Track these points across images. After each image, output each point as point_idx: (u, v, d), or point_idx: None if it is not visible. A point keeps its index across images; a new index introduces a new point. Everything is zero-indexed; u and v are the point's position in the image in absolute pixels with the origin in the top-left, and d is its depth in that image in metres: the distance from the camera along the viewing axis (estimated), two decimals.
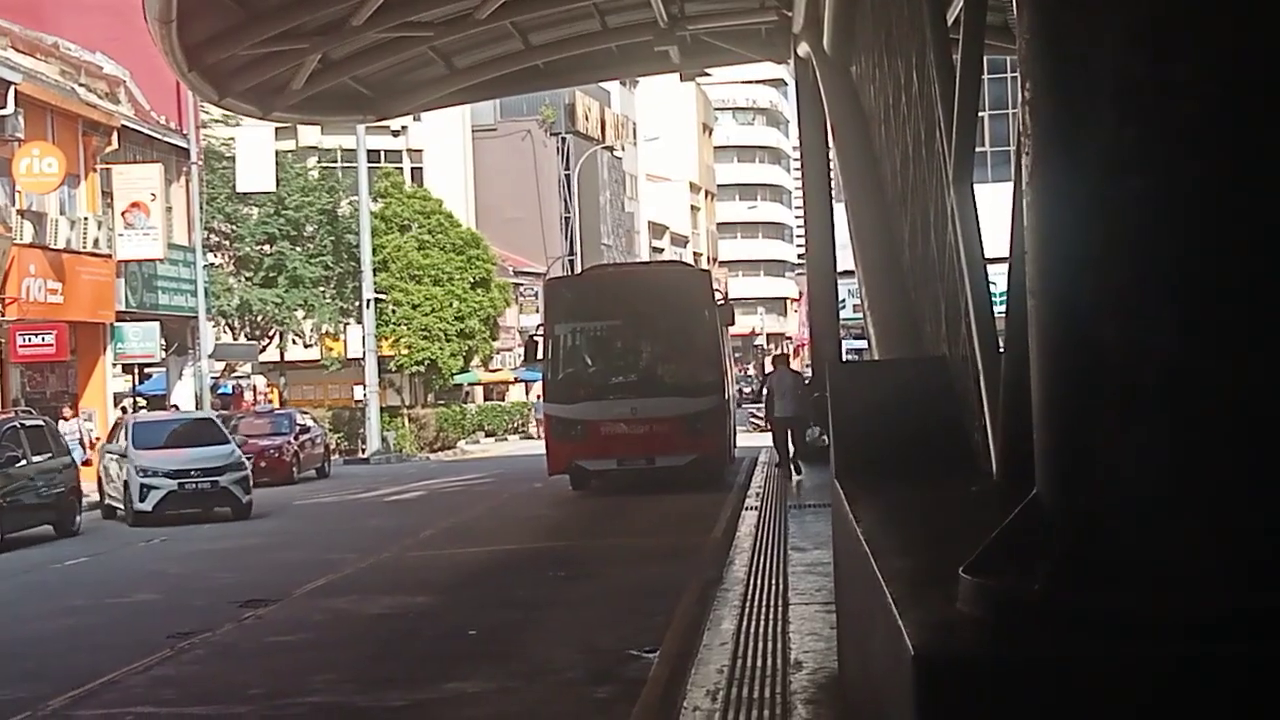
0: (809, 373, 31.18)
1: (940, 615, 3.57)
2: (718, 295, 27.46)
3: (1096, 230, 3.46)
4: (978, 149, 11.78)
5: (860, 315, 21.78)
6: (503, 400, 60.24)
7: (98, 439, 32.97)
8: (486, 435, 53.25)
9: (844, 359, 28.31)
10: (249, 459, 32.13)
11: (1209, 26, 3.41)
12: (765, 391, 26.13)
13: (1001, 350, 6.39)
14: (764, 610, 11.02)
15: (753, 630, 10.23)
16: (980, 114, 8.97)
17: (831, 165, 25.75)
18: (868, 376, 9.11)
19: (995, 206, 7.09)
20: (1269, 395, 3.35)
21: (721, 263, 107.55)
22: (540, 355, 25.69)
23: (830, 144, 23.68)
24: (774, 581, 12.43)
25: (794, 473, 23.15)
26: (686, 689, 8.57)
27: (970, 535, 3.98)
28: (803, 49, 24.72)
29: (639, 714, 8.68)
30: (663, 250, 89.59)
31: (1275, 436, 3.34)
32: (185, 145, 38.52)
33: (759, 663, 9.13)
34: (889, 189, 13.49)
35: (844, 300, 32.74)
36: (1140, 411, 3.40)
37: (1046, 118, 3.58)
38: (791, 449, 23.99)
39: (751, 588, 12.22)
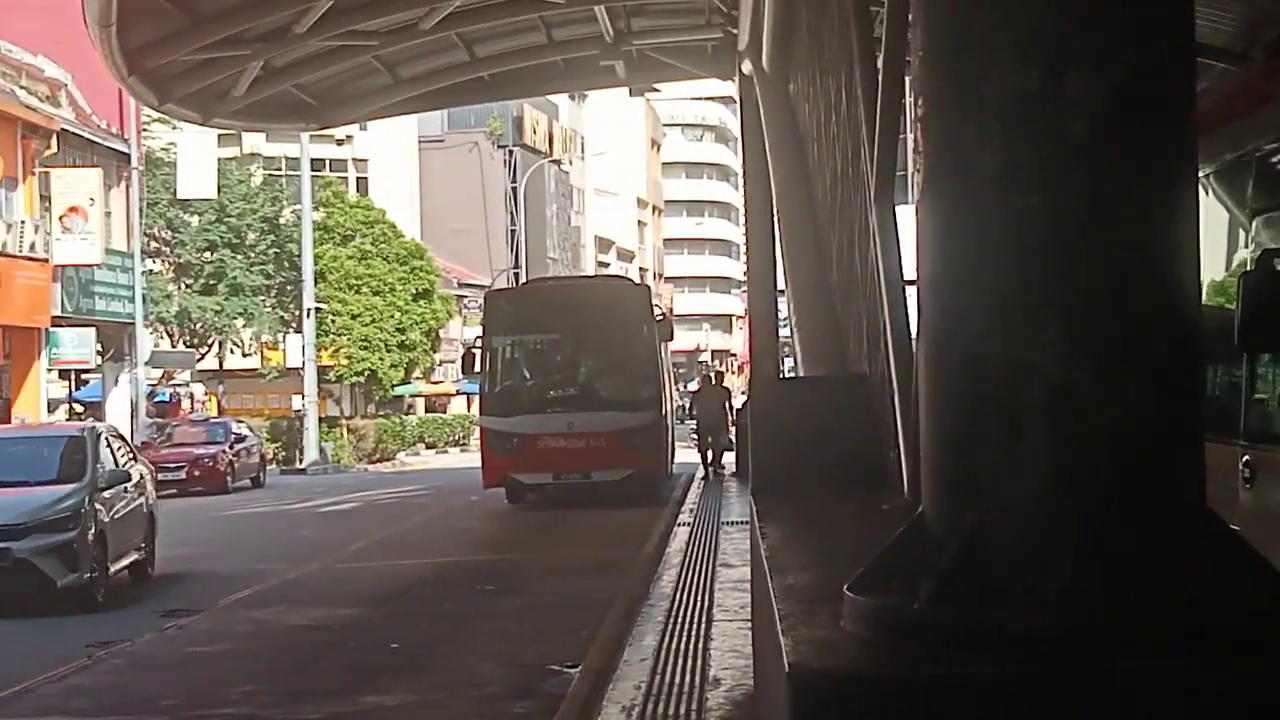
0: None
1: (823, 632, 3.55)
2: (658, 310, 27.44)
3: (984, 249, 3.46)
4: (905, 170, 11.82)
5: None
6: (444, 412, 60.01)
7: None
8: (427, 447, 53.01)
9: (783, 377, 28.47)
10: (182, 467, 32.06)
11: (1100, 43, 3.41)
12: (692, 406, 31.24)
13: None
14: (688, 627, 11.00)
15: (674, 647, 10.21)
16: (905, 135, 9.01)
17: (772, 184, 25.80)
18: (787, 393, 9.11)
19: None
20: (1147, 416, 3.36)
21: (668, 278, 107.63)
22: (478, 367, 25.59)
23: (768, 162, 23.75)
24: (700, 598, 12.42)
25: (710, 474, 27.55)
26: (603, 705, 8.53)
27: (871, 553, 3.96)
28: (746, 66, 24.75)
29: None
30: (609, 265, 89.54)
31: (1152, 456, 3.34)
32: (126, 150, 38.24)
33: (678, 679, 9.11)
34: (820, 207, 13.54)
35: (786, 318, 32.96)
36: (1024, 430, 3.39)
37: (938, 135, 3.57)
38: (710, 456, 28.64)
39: (677, 604, 12.21)
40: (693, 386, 79.75)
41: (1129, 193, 3.44)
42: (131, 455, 17.54)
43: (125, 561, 15.71)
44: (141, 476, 17.05)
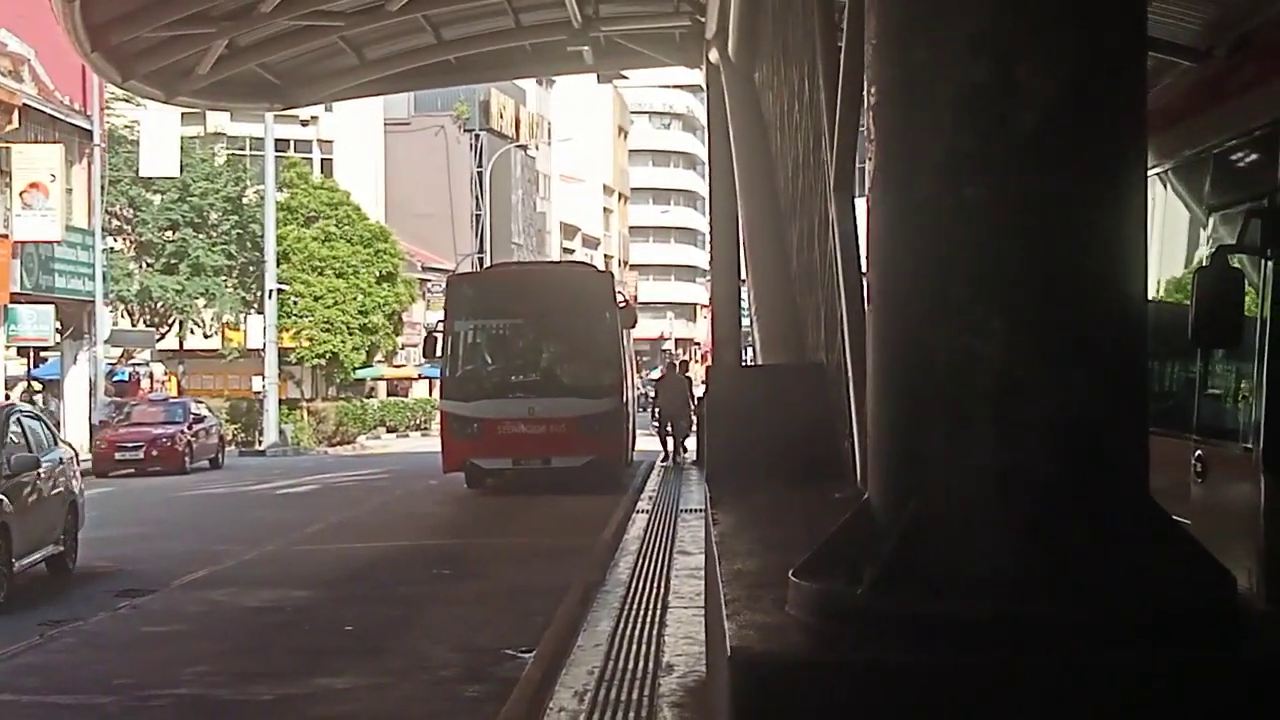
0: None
1: (768, 617, 3.56)
2: (621, 297, 27.42)
3: (931, 238, 3.47)
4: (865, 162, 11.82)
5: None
6: (405, 396, 59.85)
7: None
8: (388, 431, 52.86)
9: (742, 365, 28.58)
10: (140, 447, 31.89)
11: (1050, 37, 3.43)
12: (657, 393, 31.55)
13: None
14: (643, 613, 11.01)
15: (629, 633, 10.21)
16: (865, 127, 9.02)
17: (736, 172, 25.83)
18: (744, 381, 9.13)
19: None
20: (1091, 405, 3.37)
21: (633, 266, 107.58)
22: (439, 351, 25.51)
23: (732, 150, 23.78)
24: (656, 585, 12.42)
25: (671, 461, 28.26)
26: (555, 690, 8.53)
27: (819, 541, 3.97)
28: (713, 55, 24.76)
29: (506, 713, 8.62)
30: (574, 251, 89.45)
31: (1096, 447, 3.36)
32: (89, 126, 37.96)
33: (631, 665, 9.11)
34: (782, 197, 13.56)
35: (748, 308, 33.10)
36: (967, 419, 3.41)
37: (888, 124, 3.58)
38: (671, 443, 29.37)
39: (633, 590, 12.21)
40: (655, 374, 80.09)
41: (1077, 185, 3.45)
42: (53, 438, 16.06)
43: (37, 556, 14.09)
44: (62, 461, 15.56)
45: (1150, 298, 3.92)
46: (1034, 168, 3.42)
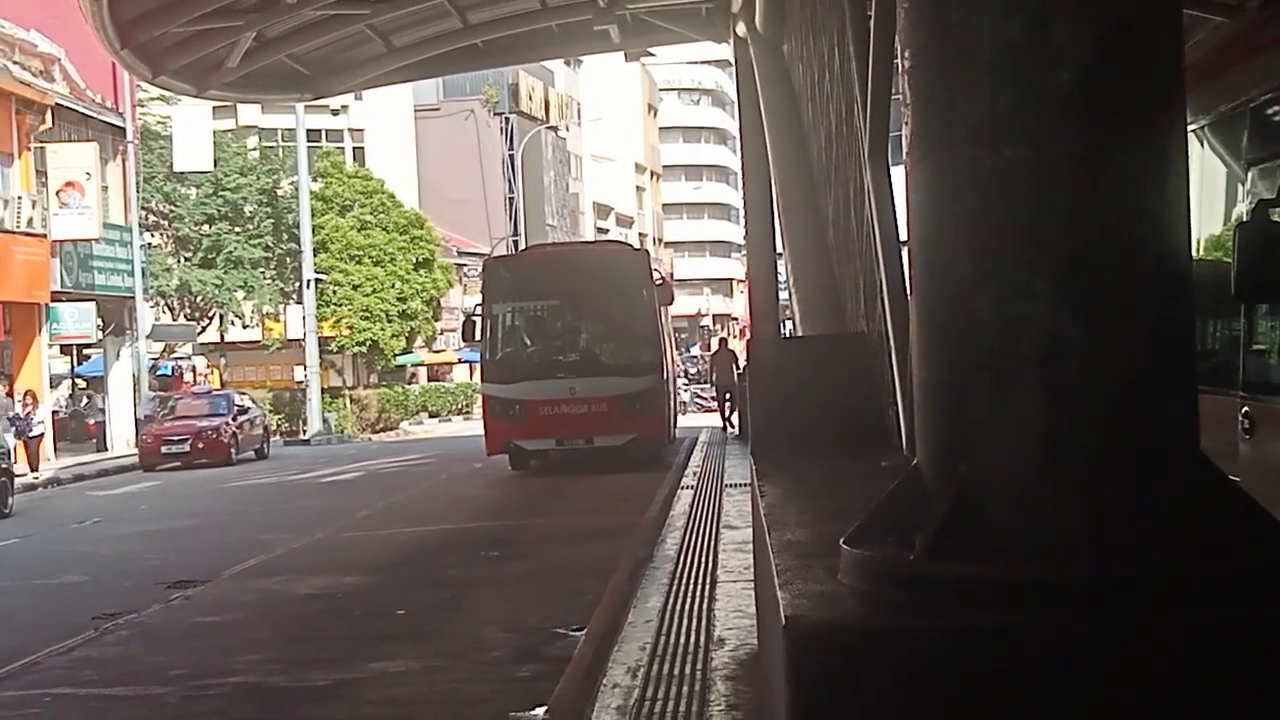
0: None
1: (820, 586, 3.57)
2: (657, 275, 27.40)
3: (972, 200, 3.46)
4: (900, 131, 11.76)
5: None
6: (446, 381, 60.04)
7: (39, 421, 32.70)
8: (430, 416, 53.07)
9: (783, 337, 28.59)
10: (186, 440, 32.10)
11: None
12: (711, 369, 34.28)
13: None
14: (692, 588, 11.02)
15: (679, 608, 10.22)
16: (898, 95, 8.98)
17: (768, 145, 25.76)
18: (785, 353, 9.11)
19: None
20: (1138, 365, 3.36)
21: (667, 243, 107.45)
22: (478, 335, 25.58)
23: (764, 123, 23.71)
24: (704, 559, 12.44)
25: (727, 429, 29.68)
26: (608, 666, 8.56)
27: (868, 510, 3.97)
28: (740, 28, 24.67)
29: (561, 692, 8.65)
30: (608, 230, 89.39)
31: (1143, 406, 3.35)
32: (121, 124, 38.16)
33: (682, 640, 9.12)
34: (815, 167, 13.52)
35: (785, 281, 33.27)
36: (1015, 382, 3.40)
37: (924, 87, 3.57)
38: (729, 411, 30.95)
39: (681, 566, 12.22)
40: (693, 351, 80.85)
41: (1117, 143, 3.43)
42: None
43: None
44: None
45: (1192, 255, 3.89)
46: (1073, 127, 3.40)
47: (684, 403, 41.48)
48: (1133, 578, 3.25)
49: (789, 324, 26.09)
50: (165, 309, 45.70)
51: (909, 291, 7.56)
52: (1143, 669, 3.16)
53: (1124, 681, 3.13)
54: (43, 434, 32.39)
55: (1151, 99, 3.48)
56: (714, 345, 41.68)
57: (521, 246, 59.86)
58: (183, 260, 45.95)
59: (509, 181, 72.74)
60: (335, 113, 59.83)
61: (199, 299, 45.80)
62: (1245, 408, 7.25)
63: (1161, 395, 3.48)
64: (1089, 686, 3.13)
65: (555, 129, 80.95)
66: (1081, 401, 3.37)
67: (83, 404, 39.13)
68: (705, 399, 49.21)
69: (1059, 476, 3.37)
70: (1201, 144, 8.14)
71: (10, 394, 31.63)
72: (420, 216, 52.56)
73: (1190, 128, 7.71)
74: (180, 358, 45.01)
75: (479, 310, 26.05)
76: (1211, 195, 8.22)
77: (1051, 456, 3.38)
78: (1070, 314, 3.38)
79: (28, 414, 31.31)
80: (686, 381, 49.72)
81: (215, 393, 37.82)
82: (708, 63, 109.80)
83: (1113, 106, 3.43)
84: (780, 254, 28.46)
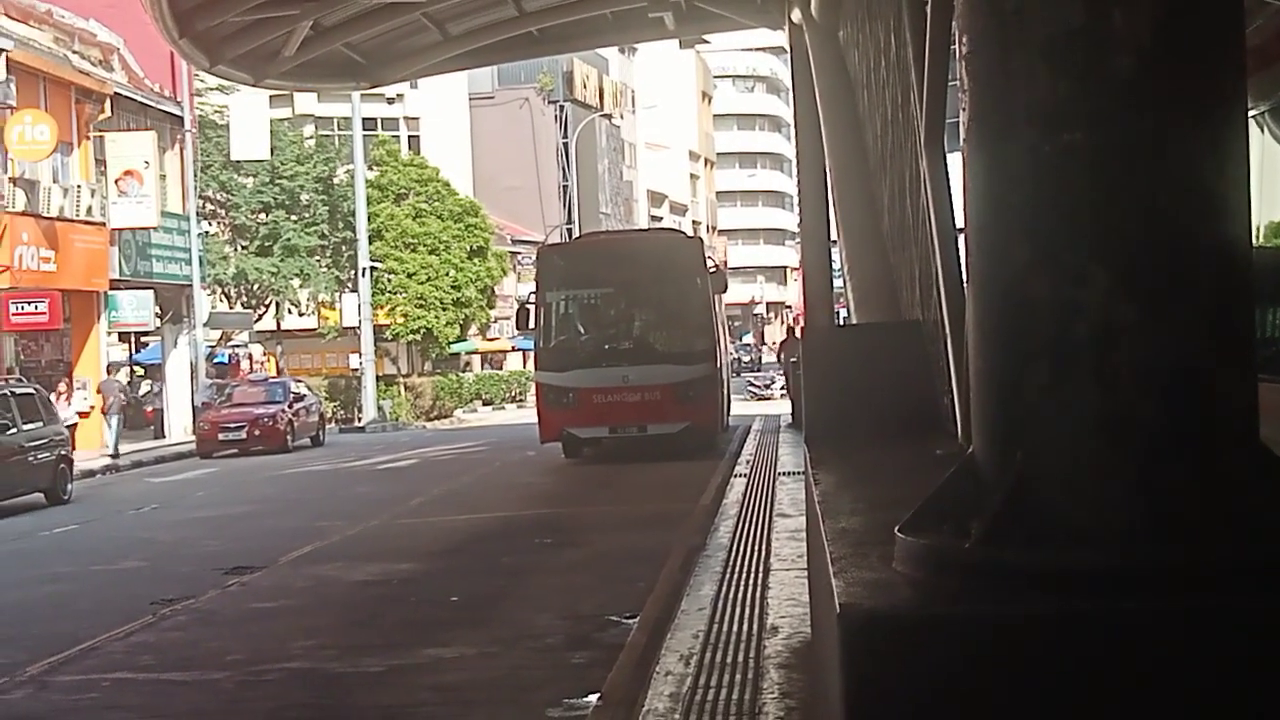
0: None
1: (875, 574, 3.56)
2: (711, 263, 27.35)
3: (1030, 186, 3.43)
4: (957, 118, 11.70)
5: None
6: (500, 369, 60.23)
7: (92, 408, 33.02)
8: (484, 404, 53.25)
9: (837, 325, 28.47)
10: (243, 427, 32.36)
11: None
12: (781, 355, 35.98)
13: None
14: (745, 576, 11.01)
15: (732, 596, 10.22)
16: (954, 82, 8.92)
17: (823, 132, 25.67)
18: (840, 341, 9.08)
19: None
20: (1196, 352, 3.33)
21: (721, 231, 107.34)
22: (532, 323, 25.64)
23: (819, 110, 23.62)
24: (757, 548, 12.43)
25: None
26: (661, 653, 8.56)
27: (922, 498, 3.96)
28: (796, 14, 24.60)
29: (614, 679, 8.67)
30: (661, 218, 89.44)
31: (1200, 393, 3.32)
32: (179, 113, 38.45)
33: (735, 628, 9.12)
34: (870, 154, 13.45)
35: (839, 269, 33.25)
36: (1071, 369, 3.38)
37: (982, 73, 3.54)
38: None
39: (734, 554, 12.22)
40: (747, 339, 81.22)
41: (1176, 128, 3.40)
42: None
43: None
44: None
45: (1251, 242, 3.85)
46: (1132, 112, 3.37)
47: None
48: (1192, 563, 3.23)
49: (843, 312, 25.97)
50: (222, 297, 46.05)
51: (965, 279, 7.54)
52: (1205, 654, 3.14)
53: (1188, 667, 3.11)
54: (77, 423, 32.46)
55: (1211, 84, 3.44)
56: (782, 333, 41.88)
57: (575, 234, 59.92)
58: (239, 248, 46.28)
59: (563, 169, 72.85)
60: (391, 101, 60.10)
61: (255, 287, 46.12)
62: None
63: (1220, 383, 3.45)
64: (1153, 672, 3.12)
65: (609, 117, 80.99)
66: (1138, 389, 3.35)
67: (141, 392, 39.51)
68: (758, 387, 49.11)
69: (1116, 463, 3.35)
70: (1262, 130, 8.06)
71: (70, 389, 31.88)
72: (475, 204, 52.71)
73: (1250, 113, 7.63)
74: (237, 345, 45.36)
75: (533, 298, 26.10)
76: (1272, 182, 8.14)
77: (1108, 443, 3.36)
78: (1128, 301, 3.36)
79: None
80: (740, 369, 49.81)
81: (271, 380, 38.10)
82: (762, 49, 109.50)
83: (1172, 92, 3.40)
84: (835, 241, 28.40)
